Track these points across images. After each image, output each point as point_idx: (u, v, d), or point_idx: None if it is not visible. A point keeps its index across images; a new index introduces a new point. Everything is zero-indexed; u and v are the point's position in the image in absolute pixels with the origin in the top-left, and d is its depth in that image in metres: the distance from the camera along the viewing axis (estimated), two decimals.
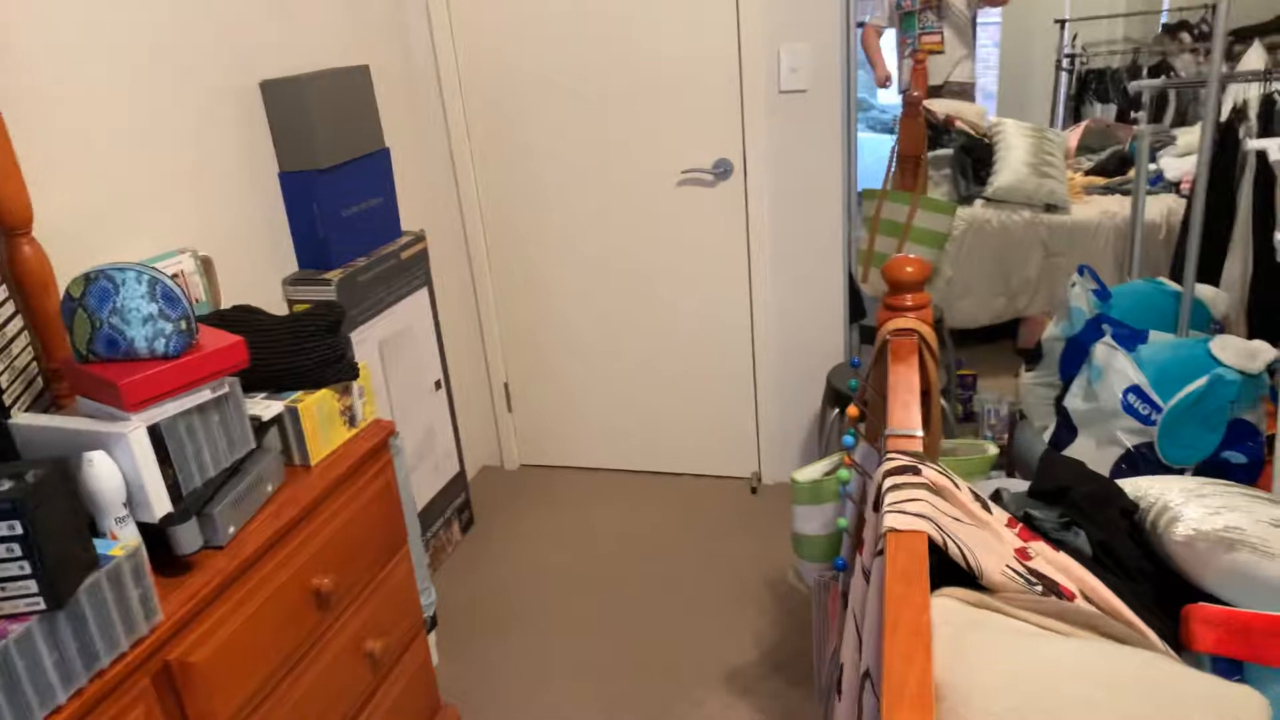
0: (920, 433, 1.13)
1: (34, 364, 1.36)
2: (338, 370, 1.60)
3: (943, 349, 2.90)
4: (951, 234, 3.37)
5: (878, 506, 1.03)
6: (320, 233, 2.16)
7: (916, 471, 1.03)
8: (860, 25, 5.72)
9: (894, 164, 3.71)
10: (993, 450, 1.64)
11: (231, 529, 1.37)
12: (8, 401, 1.25)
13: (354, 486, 1.65)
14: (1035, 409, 2.55)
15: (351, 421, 1.68)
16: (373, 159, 2.28)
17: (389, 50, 2.61)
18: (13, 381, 1.28)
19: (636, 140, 2.67)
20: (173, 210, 1.86)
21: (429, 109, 2.78)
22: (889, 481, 1.02)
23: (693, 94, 2.57)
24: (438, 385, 2.60)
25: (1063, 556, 1.04)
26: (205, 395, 1.29)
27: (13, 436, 1.24)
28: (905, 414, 1.18)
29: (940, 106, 3.99)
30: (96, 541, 1.14)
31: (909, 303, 1.47)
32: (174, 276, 1.71)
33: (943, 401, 2.47)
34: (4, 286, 1.30)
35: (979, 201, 3.68)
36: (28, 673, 1.02)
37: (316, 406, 1.58)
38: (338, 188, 2.17)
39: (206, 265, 1.81)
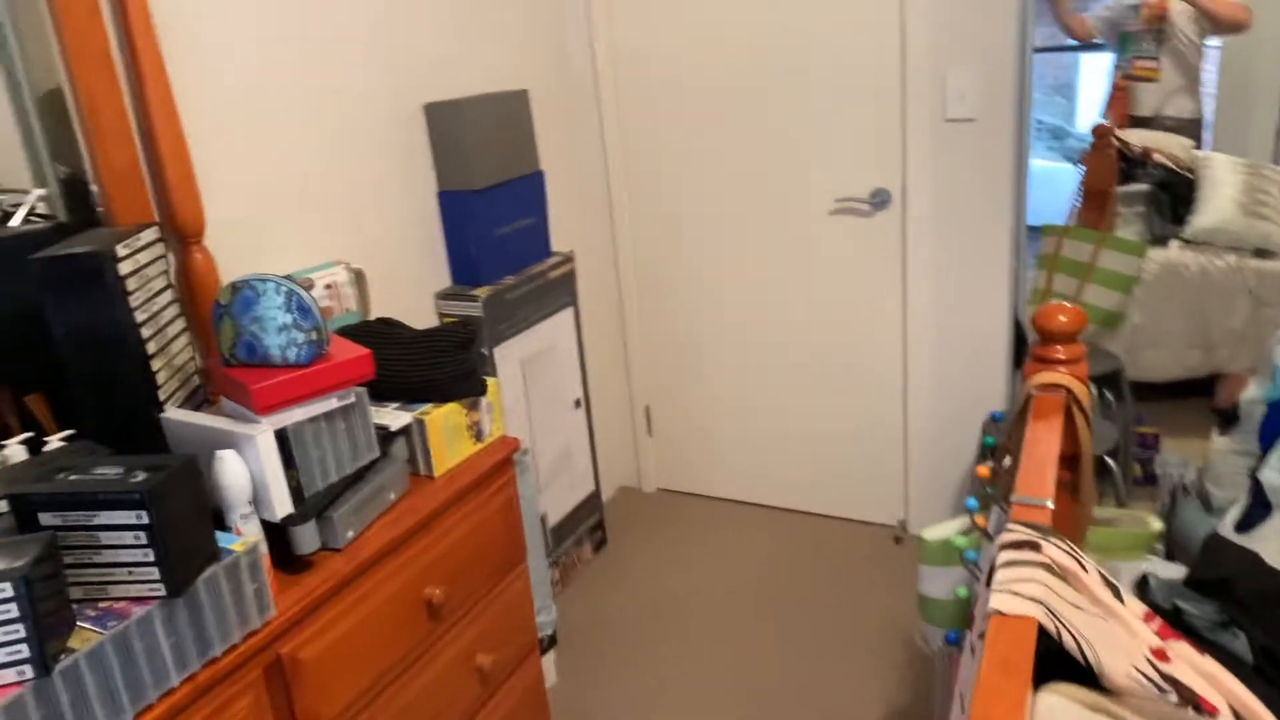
0: (1049, 503, 1.02)
1: (191, 363, 1.47)
2: (467, 385, 1.64)
3: (1120, 403, 2.65)
4: (1140, 277, 3.09)
5: (990, 582, 0.93)
6: (472, 251, 2.23)
7: (1037, 548, 0.92)
8: (1054, 50, 5.39)
9: (1080, 199, 3.45)
10: (1156, 526, 1.47)
11: (350, 533, 1.42)
12: (163, 396, 1.36)
13: (475, 500, 1.68)
14: (1226, 479, 2.27)
15: (478, 436, 1.71)
16: (527, 181, 2.34)
17: (551, 74, 2.68)
18: (170, 378, 1.39)
19: (791, 166, 2.60)
20: (334, 223, 1.97)
21: (586, 132, 2.83)
22: (1004, 556, 0.92)
23: (851, 119, 2.48)
24: (578, 404, 2.63)
25: (1211, 662, 0.90)
26: (332, 403, 1.35)
27: (164, 429, 1.34)
28: (1036, 480, 1.07)
29: (1137, 138, 3.67)
30: (220, 535, 1.21)
31: (1060, 355, 1.34)
32: (327, 287, 1.81)
33: (1112, 464, 2.25)
34: (170, 291, 1.41)
35: (1175, 243, 3.35)
36: (145, 653, 1.08)
37: (444, 419, 1.62)
38: (492, 208, 2.24)
39: (359, 277, 1.90)
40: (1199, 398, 3.43)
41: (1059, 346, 1.34)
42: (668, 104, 2.71)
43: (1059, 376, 1.31)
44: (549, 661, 2.26)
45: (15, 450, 1.29)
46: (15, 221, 1.46)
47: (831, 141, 2.53)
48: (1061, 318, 1.33)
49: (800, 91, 2.52)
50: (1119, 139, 3.52)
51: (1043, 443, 1.15)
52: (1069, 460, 1.41)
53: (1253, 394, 2.25)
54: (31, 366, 1.36)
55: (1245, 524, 2.00)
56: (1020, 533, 0.95)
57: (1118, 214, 3.53)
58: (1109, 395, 2.57)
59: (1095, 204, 3.34)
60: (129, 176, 1.49)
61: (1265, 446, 2.10)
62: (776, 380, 2.86)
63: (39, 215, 1.49)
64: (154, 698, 1.10)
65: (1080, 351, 1.35)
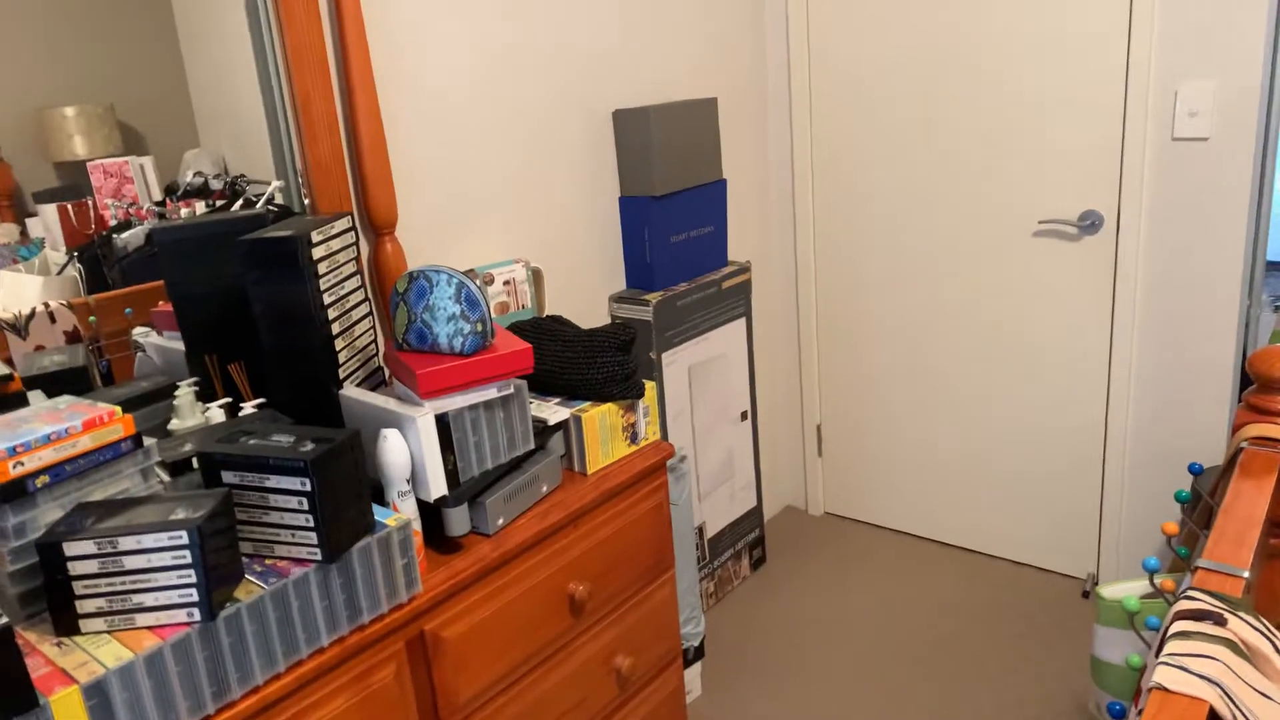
0: (1245, 573, 0.89)
1: (373, 345, 1.57)
2: (624, 388, 1.65)
3: None
4: None
5: (1159, 652, 0.82)
6: (648, 256, 2.25)
7: (1221, 621, 0.81)
8: None
9: None
10: None
11: (501, 520, 1.47)
12: (343, 375, 1.45)
13: (625, 501, 1.68)
14: None
15: (633, 438, 1.72)
16: (709, 189, 2.34)
17: (745, 83, 2.66)
18: (351, 358, 1.48)
19: (990, 183, 2.45)
20: (518, 222, 2.05)
21: (777, 142, 2.79)
22: (1179, 626, 0.81)
23: (1062, 135, 2.30)
24: (744, 416, 2.59)
25: None
26: (491, 393, 1.39)
27: (340, 404, 1.44)
28: (1232, 546, 0.93)
29: None
30: (378, 510, 1.28)
31: (1279, 405, 1.18)
32: (505, 283, 1.88)
33: None
34: (358, 277, 1.51)
35: None
36: (299, 612, 1.16)
37: (600, 418, 1.64)
38: (670, 215, 2.25)
39: (536, 276, 1.96)
40: None
41: (1279, 397, 1.18)
42: (862, 114, 2.62)
43: (1275, 430, 1.15)
44: (694, 673, 2.24)
45: (216, 413, 1.43)
46: (257, 209, 1.62)
47: (1040, 157, 2.35)
48: None
49: (1007, 103, 2.37)
50: None
51: (1247, 503, 1.01)
52: (1278, 526, 1.23)
53: None
54: (236, 338, 1.50)
55: None
56: (1203, 602, 0.83)
57: None
58: None
59: None
60: (333, 170, 1.61)
61: None
62: (961, 410, 2.69)
63: (276, 205, 1.64)
64: (305, 654, 1.18)
65: None
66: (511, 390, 1.43)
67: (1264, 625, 0.83)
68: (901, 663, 2.32)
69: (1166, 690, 0.73)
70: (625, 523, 1.68)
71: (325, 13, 1.61)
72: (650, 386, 1.70)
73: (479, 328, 1.36)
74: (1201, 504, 1.26)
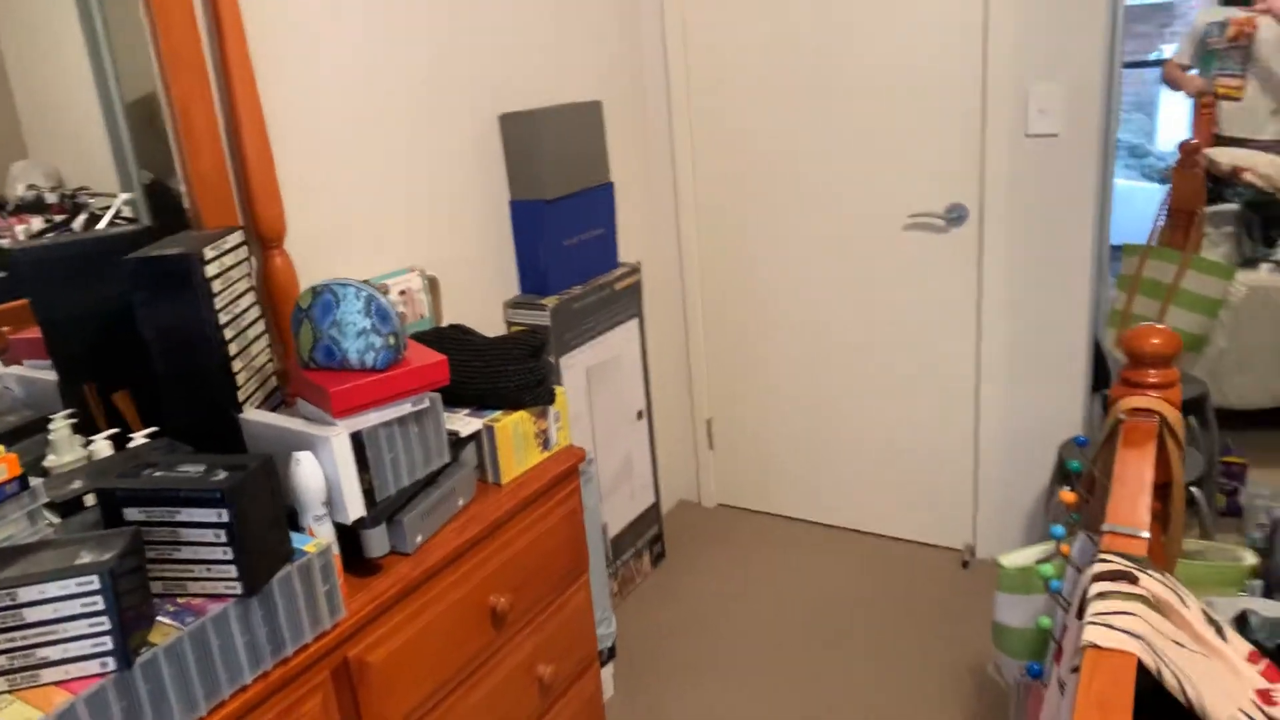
0: (1145, 533, 0.97)
1: (270, 364, 1.50)
2: (536, 394, 1.64)
3: (1205, 430, 2.54)
4: (1227, 300, 2.97)
5: (1082, 614, 0.89)
6: (541, 261, 2.24)
7: (1134, 579, 0.88)
8: (1136, 66, 5.23)
9: (1163, 218, 3.34)
10: (1250, 559, 1.40)
11: (419, 538, 1.43)
12: (242, 397, 1.38)
13: (541, 509, 1.67)
14: None
15: (545, 445, 1.71)
16: (597, 192, 2.35)
17: (625, 87, 2.69)
18: (249, 379, 1.41)
19: (863, 180, 2.57)
20: (410, 230, 2.00)
21: (657, 144, 2.83)
22: (1098, 587, 0.88)
23: (928, 133, 2.44)
24: (640, 415, 2.62)
25: None
26: (406, 408, 1.36)
27: (242, 429, 1.37)
28: (1130, 509, 1.02)
29: (1226, 156, 3.54)
30: (294, 536, 1.23)
31: (1152, 379, 1.29)
32: (401, 293, 1.84)
33: (1197, 494, 2.16)
34: (252, 294, 1.43)
35: (1266, 266, 3.22)
36: (220, 651, 1.10)
37: (513, 427, 1.62)
38: (561, 218, 2.25)
39: (433, 284, 1.92)
40: None
41: (1151, 370, 1.29)
42: (740, 116, 2.70)
43: (1151, 401, 1.26)
44: (607, 674, 2.25)
45: (102, 445, 1.33)
46: (102, 224, 1.51)
47: (907, 155, 2.49)
48: (1155, 340, 1.28)
49: (876, 105, 2.49)
50: (1207, 157, 3.40)
51: (1135, 469, 1.10)
52: (1159, 489, 1.35)
53: None
54: (118, 364, 1.40)
55: None
56: (1115, 563, 0.91)
57: (1205, 234, 3.40)
58: (1193, 422, 2.46)
59: (1180, 223, 3.22)
60: (216, 181, 1.53)
61: None
62: (843, 398, 2.81)
63: (123, 219, 1.53)
64: (228, 694, 1.12)
65: (1174, 376, 1.30)
66: (426, 404, 1.40)
67: (1169, 580, 0.91)
68: (801, 641, 2.40)
69: (1099, 648, 0.80)
70: (542, 530, 1.67)
71: (202, 22, 1.53)
72: (561, 392, 1.70)
73: (391, 341, 1.33)
74: (1086, 473, 1.37)
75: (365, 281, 1.35)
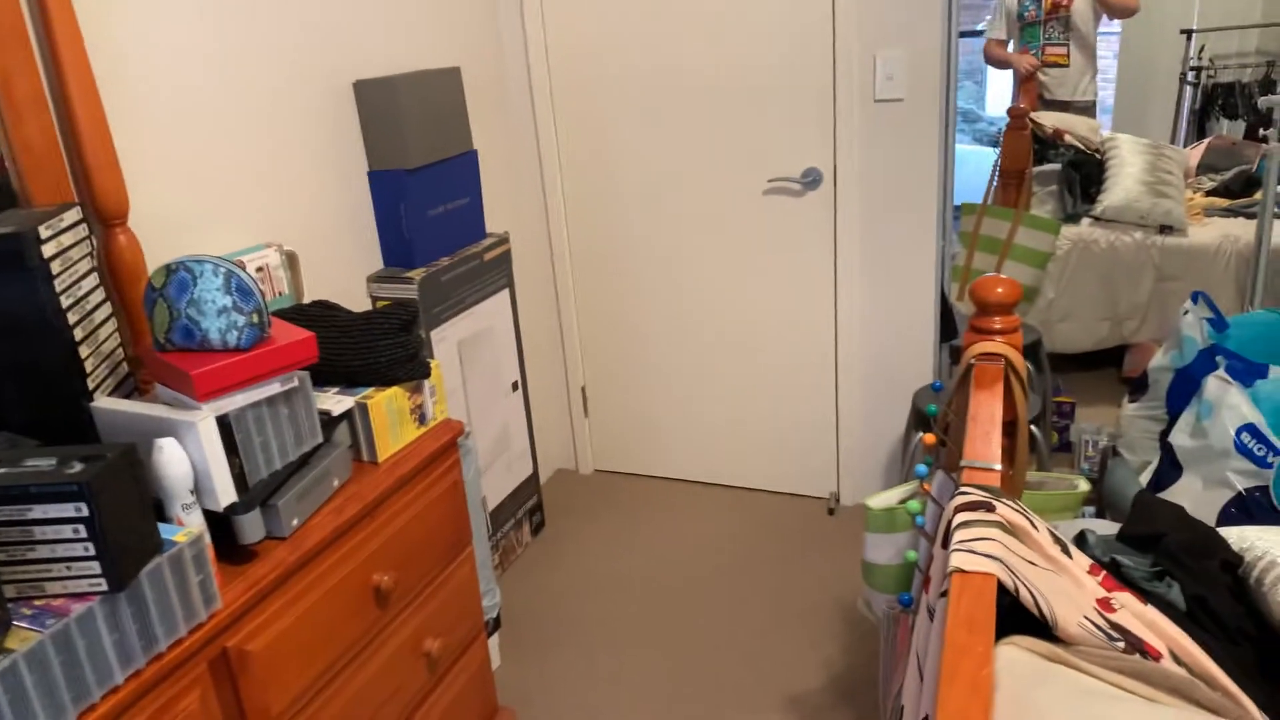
0: (998, 466, 1.06)
1: (119, 350, 1.41)
2: (409, 369, 1.61)
3: (1039, 374, 2.76)
4: (1054, 253, 3.21)
5: (946, 543, 0.96)
6: (406, 232, 2.19)
7: (990, 508, 0.96)
8: (968, 35, 5.52)
9: (996, 179, 3.57)
10: (1084, 486, 1.54)
11: (295, 521, 1.39)
12: (92, 385, 1.30)
13: (420, 485, 1.65)
14: (1137, 443, 2.39)
15: (421, 420, 1.68)
16: (461, 160, 2.30)
17: (481, 54, 2.64)
18: (98, 366, 1.32)
19: (723, 147, 2.62)
20: (263, 204, 1.91)
21: (519, 112, 2.80)
22: (959, 518, 0.95)
23: (783, 101, 2.51)
24: (515, 386, 2.61)
25: (1151, 611, 0.95)
26: (275, 388, 1.31)
27: (94, 419, 1.28)
28: (984, 445, 1.11)
29: (1050, 120, 3.81)
30: (162, 527, 1.17)
31: (997, 325, 1.39)
32: (258, 270, 1.76)
33: (1036, 430, 2.35)
34: (95, 275, 1.34)
35: (1086, 220, 3.50)
36: (87, 652, 1.04)
37: (386, 403, 1.59)
38: (425, 188, 2.19)
39: (291, 259, 1.85)
40: (1109, 367, 3.60)
41: (996, 318, 1.39)
42: (599, 84, 2.70)
43: (997, 346, 1.36)
44: (494, 644, 2.25)
45: None
46: None
47: (764, 122, 2.56)
48: (999, 290, 1.38)
49: (733, 73, 2.54)
50: (1033, 121, 3.65)
51: (987, 409, 1.19)
52: (1006, 427, 1.46)
53: (1160, 362, 2.38)
54: None
55: (1156, 484, 2.12)
56: (974, 494, 0.98)
57: (1033, 193, 3.66)
58: (1029, 366, 2.67)
59: (1012, 183, 3.46)
60: (45, 152, 1.41)
61: (1173, 412, 2.22)
62: (711, 359, 2.89)
63: None
64: (97, 696, 1.06)
65: (1016, 322, 1.40)
66: (295, 383, 1.35)
67: (1019, 506, 1.00)
68: (682, 597, 2.47)
69: (964, 571, 0.86)
70: (422, 506, 1.65)
71: None
72: (436, 365, 1.68)
73: (255, 319, 1.27)
74: (941, 415, 1.47)
75: (222, 258, 1.29)
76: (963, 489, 1.00)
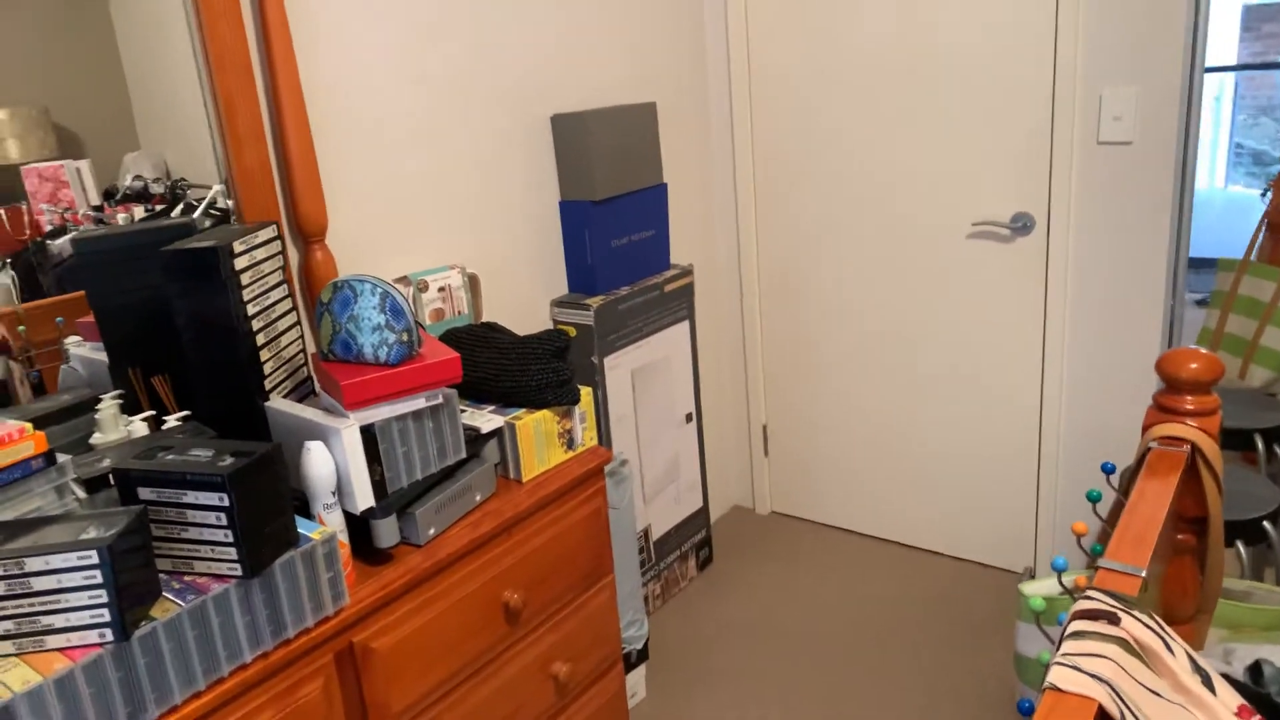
0: (1143, 573, 0.91)
1: (300, 355, 1.55)
2: (559, 394, 1.65)
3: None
4: None
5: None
6: (589, 260, 2.25)
7: (1115, 620, 0.83)
8: (1268, 67, 4.89)
9: (1263, 232, 3.12)
10: None
11: (432, 530, 1.46)
12: (269, 386, 1.44)
13: (561, 508, 1.68)
14: None
15: (570, 444, 1.72)
16: (649, 193, 2.34)
17: (683, 86, 2.67)
18: (277, 369, 1.46)
19: (927, 185, 2.49)
20: (456, 228, 2.04)
21: (718, 146, 2.81)
22: (1074, 625, 0.83)
23: (994, 138, 2.34)
24: (689, 418, 2.61)
25: None
26: (420, 403, 1.39)
27: (266, 416, 1.42)
28: (1131, 546, 0.96)
29: None
30: (303, 523, 1.27)
31: (1188, 406, 1.21)
32: (440, 290, 1.87)
33: (1272, 530, 2.02)
34: (284, 286, 1.49)
35: None
36: (220, 629, 1.14)
37: (535, 425, 1.63)
38: (610, 219, 2.25)
39: (473, 282, 1.95)
40: None
41: (1188, 397, 1.21)
42: (801, 119, 2.65)
43: (1184, 430, 1.18)
44: (638, 676, 2.25)
45: (138, 426, 1.40)
46: (197, 214, 1.59)
47: (973, 161, 2.40)
48: (1193, 365, 1.20)
49: (941, 108, 2.41)
50: None
51: (1149, 503, 1.04)
52: (1197, 523, 1.26)
53: None
54: (160, 350, 1.47)
55: None
56: (1099, 602, 0.85)
57: None
58: (1278, 450, 2.30)
59: None
60: (260, 178, 1.59)
61: None
62: (903, 409, 2.73)
63: (218, 209, 1.61)
64: (226, 671, 1.16)
65: (1213, 404, 1.21)
66: (440, 400, 1.42)
67: (1156, 623, 0.85)
68: (844, 658, 2.34)
69: (1059, 690, 0.75)
70: (561, 529, 1.67)
71: (250, 18, 1.59)
72: (586, 392, 1.71)
73: (404, 337, 1.36)
74: (1115, 502, 1.29)
75: (401, 278, 1.39)
76: (1089, 593, 0.87)
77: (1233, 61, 6.34)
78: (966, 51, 2.33)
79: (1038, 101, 2.25)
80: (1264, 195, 3.32)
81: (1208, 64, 2.57)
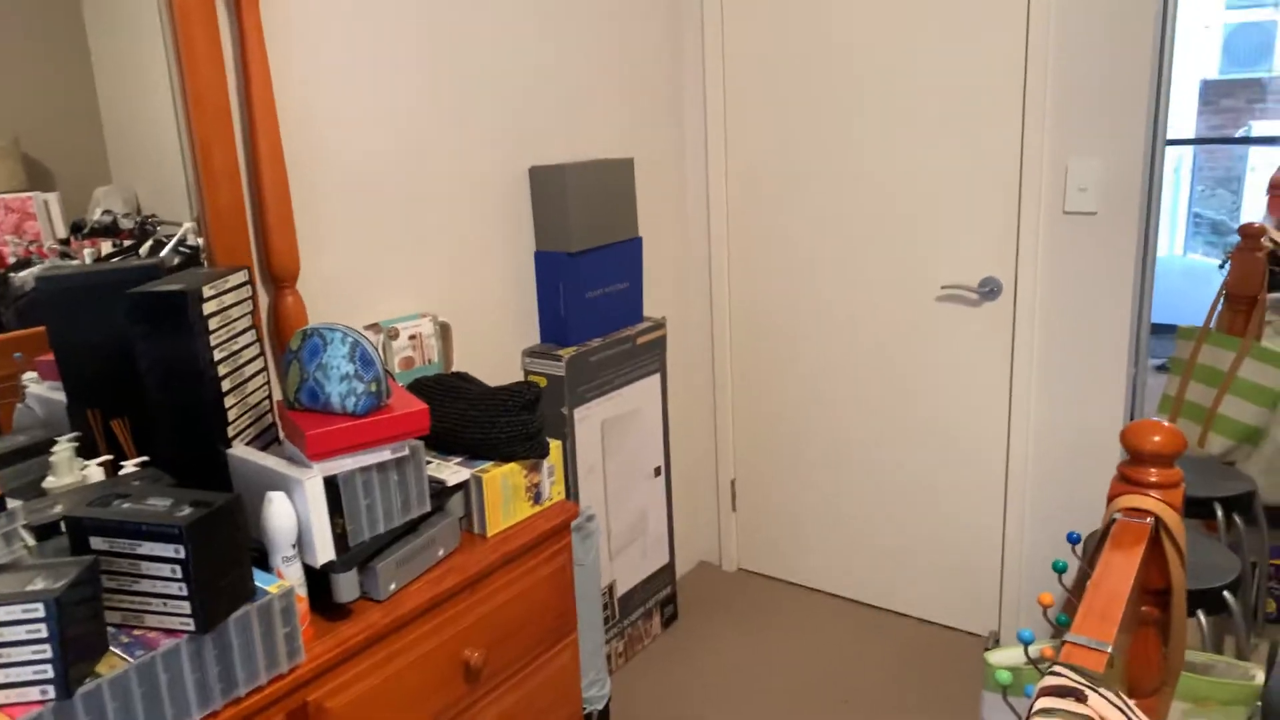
0: (1109, 648, 0.91)
1: (266, 402, 1.52)
2: (527, 447, 1.64)
3: (1252, 530, 2.40)
4: None
5: None
6: (562, 311, 2.25)
7: (1082, 697, 0.82)
8: (1228, 142, 5.03)
9: (1221, 302, 3.20)
10: (1261, 679, 1.31)
11: (393, 585, 1.43)
12: (232, 433, 1.41)
13: (526, 564, 1.66)
14: None
15: (537, 499, 1.70)
16: (624, 246, 2.36)
17: (662, 144, 2.71)
18: (241, 415, 1.44)
19: (897, 249, 2.53)
20: (431, 276, 2.03)
21: (693, 202, 2.84)
22: (1042, 703, 0.82)
23: (963, 204, 2.39)
24: (657, 472, 2.59)
25: None
26: (385, 455, 1.36)
27: (228, 464, 1.39)
28: (1098, 620, 0.96)
29: None
30: (260, 576, 1.23)
31: (1152, 478, 1.22)
32: (411, 338, 1.86)
33: (1232, 601, 2.03)
34: (252, 332, 1.47)
35: None
36: (168, 686, 1.10)
37: (502, 478, 1.61)
38: (585, 271, 2.26)
39: (444, 330, 1.94)
40: None
41: (1152, 469, 1.22)
42: (777, 183, 2.69)
43: (1148, 502, 1.19)
44: None
45: (94, 471, 1.36)
46: (165, 252, 1.57)
47: (941, 226, 2.44)
48: (1156, 438, 1.22)
49: (911, 175, 2.46)
50: (1274, 240, 3.26)
51: (1114, 576, 1.04)
52: (1160, 595, 1.27)
53: None
54: (120, 393, 1.44)
55: None
56: (1065, 678, 0.85)
57: (1267, 322, 3.25)
58: (1238, 521, 2.33)
59: (1240, 308, 3.09)
60: (232, 220, 1.58)
61: None
62: (871, 469, 2.74)
63: (188, 247, 1.59)
64: None
65: (1176, 476, 1.22)
66: (406, 452, 1.40)
67: (1122, 701, 0.85)
68: (808, 718, 2.32)
69: None
70: (526, 586, 1.65)
71: (230, 59, 1.59)
72: (555, 445, 1.69)
73: (373, 388, 1.34)
74: (1079, 572, 1.30)
75: (369, 325, 1.37)
76: (1056, 668, 0.87)
77: (1191, 134, 6.56)
78: (937, 122, 2.39)
79: (1006, 171, 2.31)
80: (1222, 267, 3.41)
81: (1168, 137, 2.66)
